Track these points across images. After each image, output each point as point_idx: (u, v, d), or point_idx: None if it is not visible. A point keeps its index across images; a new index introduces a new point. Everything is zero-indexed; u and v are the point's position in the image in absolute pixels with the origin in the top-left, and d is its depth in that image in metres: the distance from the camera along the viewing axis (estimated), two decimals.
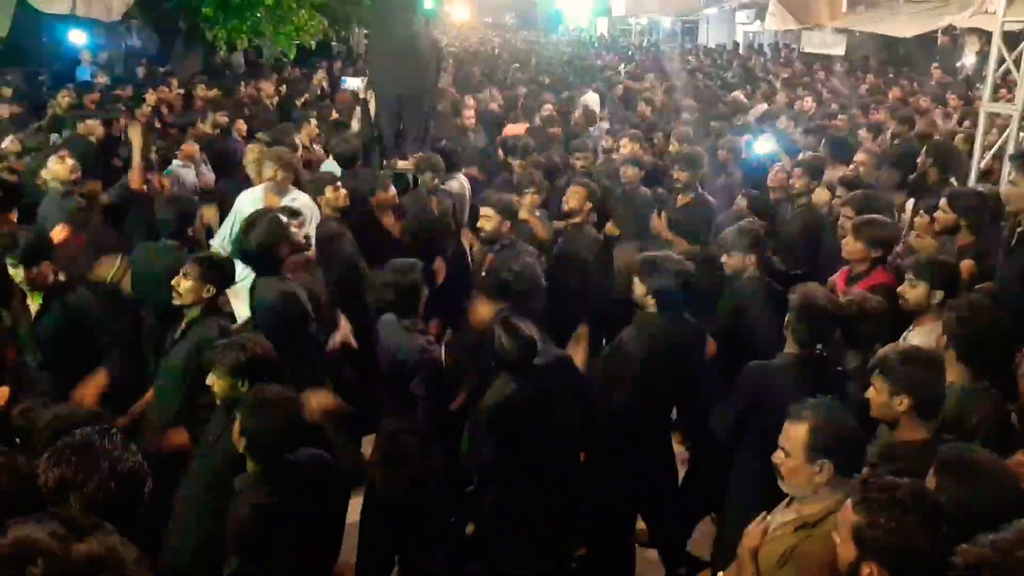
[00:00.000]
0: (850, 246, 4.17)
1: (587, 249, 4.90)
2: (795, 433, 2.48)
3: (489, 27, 47.08)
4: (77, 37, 12.22)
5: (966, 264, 4.09)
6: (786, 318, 3.41)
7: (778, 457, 2.52)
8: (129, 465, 2.05)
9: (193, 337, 3.51)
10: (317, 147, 6.90)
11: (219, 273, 3.61)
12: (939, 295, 3.57)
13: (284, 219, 3.88)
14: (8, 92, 9.90)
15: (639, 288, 3.70)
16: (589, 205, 5.02)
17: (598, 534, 3.97)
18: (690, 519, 4.24)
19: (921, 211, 4.87)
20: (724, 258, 4.28)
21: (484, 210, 4.60)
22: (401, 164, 5.91)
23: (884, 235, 4.16)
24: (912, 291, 3.67)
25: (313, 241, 4.53)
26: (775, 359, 3.39)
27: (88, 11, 9.48)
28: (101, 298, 3.88)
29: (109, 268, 4.30)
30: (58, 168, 4.90)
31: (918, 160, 5.96)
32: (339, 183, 4.87)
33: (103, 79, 10.28)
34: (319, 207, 4.85)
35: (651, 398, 3.75)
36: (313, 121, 7.12)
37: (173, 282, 3.52)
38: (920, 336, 3.55)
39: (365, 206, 5.13)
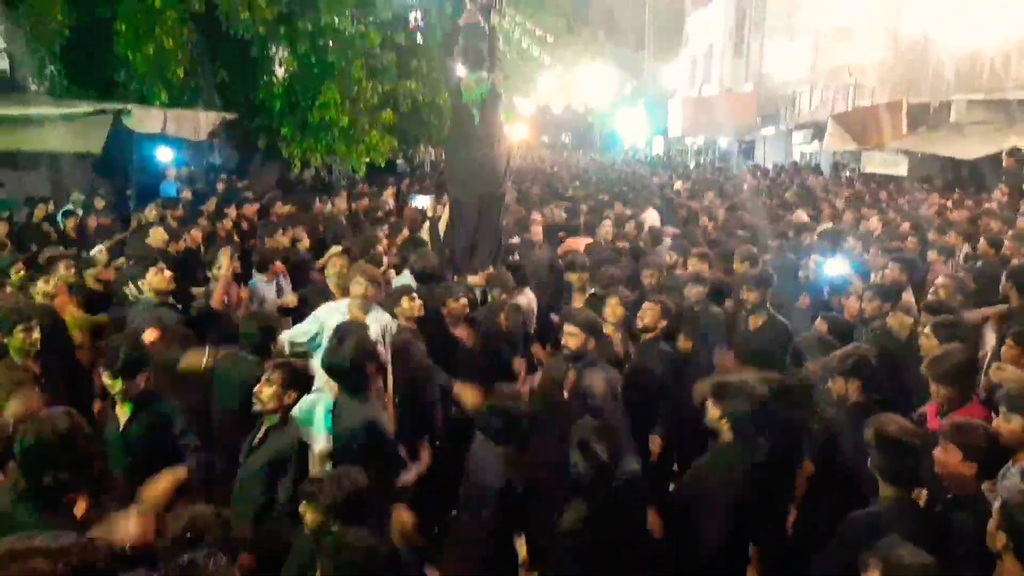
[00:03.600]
0: (933, 388, 3.99)
1: (661, 365, 4.84)
2: None
3: (545, 146, 48.77)
4: (164, 154, 13.04)
5: None
6: (868, 457, 3.25)
7: None
8: None
9: (273, 445, 3.56)
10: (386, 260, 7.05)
11: (301, 379, 3.67)
12: None
13: (374, 338, 3.92)
14: (101, 204, 10.56)
15: (713, 412, 3.59)
16: (664, 322, 5.03)
17: None
18: None
19: (1008, 339, 4.68)
20: (829, 383, 4.13)
21: (568, 327, 4.54)
22: (472, 280, 6.00)
23: (961, 369, 3.96)
24: (1007, 425, 3.47)
25: (389, 356, 4.55)
26: (874, 506, 3.20)
27: (178, 131, 10.17)
28: (188, 396, 3.93)
29: (199, 357, 4.36)
30: (156, 279, 5.10)
31: (1000, 289, 5.78)
32: (414, 293, 4.98)
33: (187, 194, 10.85)
34: (394, 317, 4.90)
35: (730, 529, 3.56)
36: (381, 235, 7.30)
37: (255, 389, 3.57)
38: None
39: (439, 320, 5.19)
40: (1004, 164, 14.21)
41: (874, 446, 3.18)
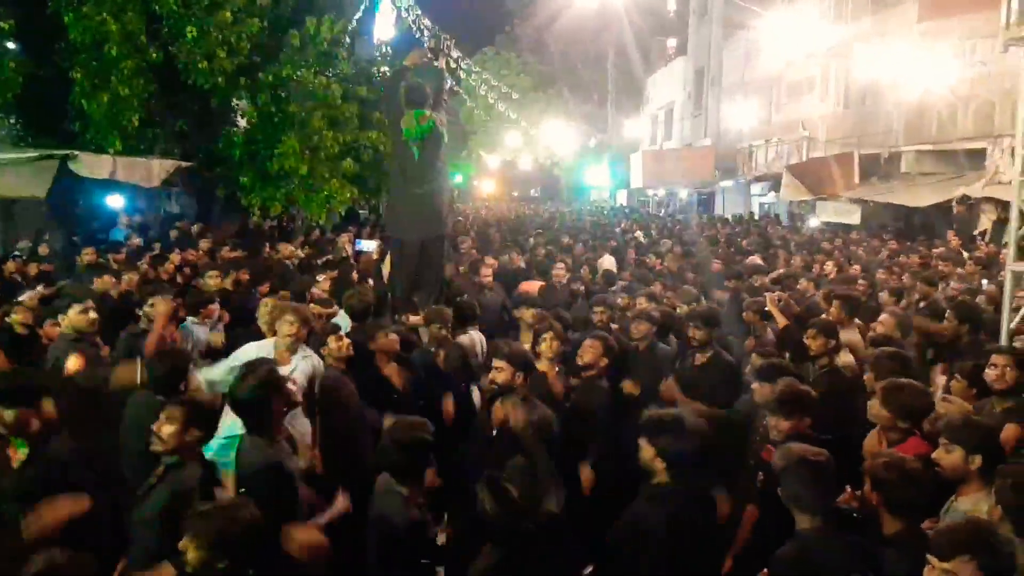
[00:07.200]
0: (875, 410, 3.93)
1: (599, 404, 4.69)
2: None
3: (516, 199, 49.41)
4: (114, 201, 12.81)
5: (1012, 429, 3.84)
6: (779, 490, 3.12)
7: None
8: None
9: (171, 485, 3.24)
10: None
11: (204, 416, 3.43)
12: (977, 460, 3.31)
13: (280, 372, 3.72)
14: (45, 250, 10.34)
15: (647, 451, 3.32)
16: (605, 360, 4.86)
17: None
18: None
19: (956, 374, 4.67)
20: (769, 421, 3.98)
21: (497, 362, 4.43)
22: (412, 319, 5.88)
23: (913, 402, 3.90)
24: (947, 457, 3.39)
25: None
26: (796, 541, 3.04)
27: (128, 176, 10.00)
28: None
29: (132, 371, 4.16)
30: (79, 318, 4.89)
31: (943, 324, 5.82)
32: (342, 333, 4.87)
33: (136, 240, 10.65)
34: (322, 357, 4.78)
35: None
36: (322, 278, 7.21)
37: (154, 427, 3.30)
38: (966, 506, 3.26)
39: (371, 359, 5.07)
40: (955, 211, 14.58)
41: (784, 473, 3.06)
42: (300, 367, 4.80)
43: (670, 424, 3.33)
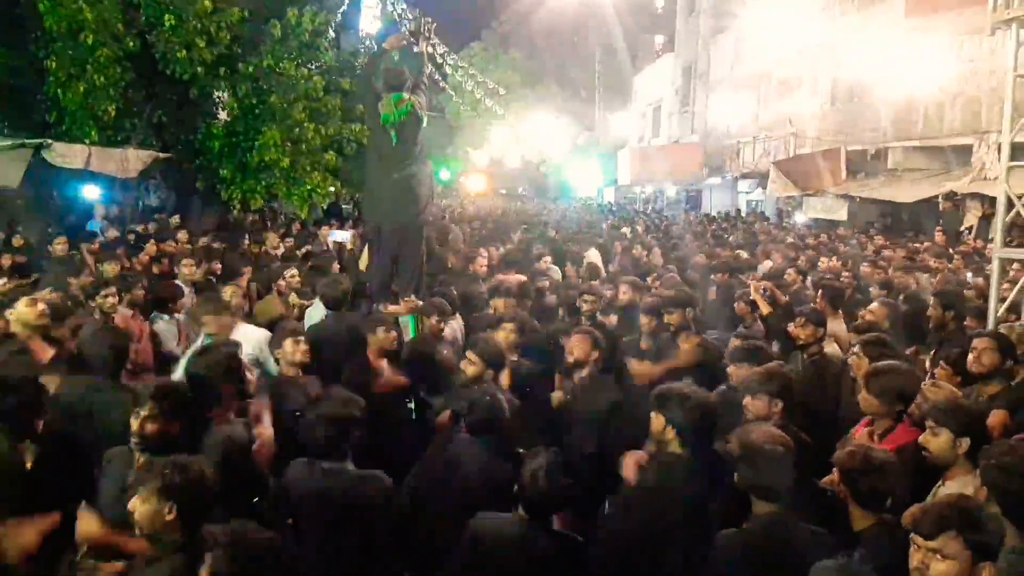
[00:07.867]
0: (865, 400, 3.82)
1: (603, 402, 4.36)
2: None
3: (504, 196, 49.27)
4: (90, 192, 12.56)
5: (999, 414, 3.75)
6: (735, 476, 3.00)
7: None
8: None
9: None
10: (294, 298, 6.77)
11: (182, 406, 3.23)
12: (965, 443, 3.23)
13: (242, 357, 3.55)
14: (20, 242, 10.12)
15: (658, 421, 3.33)
16: (595, 354, 4.57)
17: None
18: None
19: (941, 361, 4.59)
20: (747, 401, 3.85)
21: (470, 354, 4.34)
22: (391, 308, 5.71)
23: (901, 385, 3.79)
24: (934, 440, 3.31)
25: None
26: (747, 525, 2.92)
27: (103, 167, 9.80)
28: None
29: None
30: (26, 311, 4.47)
31: (928, 312, 5.78)
32: (301, 337, 4.47)
33: (113, 232, 10.44)
34: (277, 361, 4.52)
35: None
36: (290, 271, 7.02)
37: (135, 426, 3.05)
38: (952, 491, 3.15)
39: (356, 350, 4.78)
40: (941, 207, 14.56)
41: (739, 458, 2.95)
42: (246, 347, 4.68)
43: (679, 395, 3.35)
